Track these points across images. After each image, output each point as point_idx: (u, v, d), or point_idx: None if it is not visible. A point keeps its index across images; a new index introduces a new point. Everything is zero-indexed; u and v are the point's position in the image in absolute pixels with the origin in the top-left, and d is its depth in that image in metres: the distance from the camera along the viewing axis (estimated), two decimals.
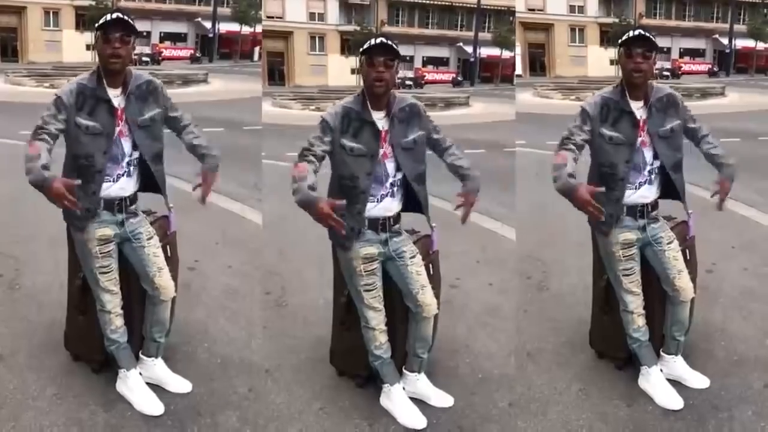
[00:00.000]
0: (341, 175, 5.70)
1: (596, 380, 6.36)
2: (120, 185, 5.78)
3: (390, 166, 5.78)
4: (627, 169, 5.90)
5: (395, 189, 5.82)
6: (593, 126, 5.87)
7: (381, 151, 5.72)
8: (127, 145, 5.77)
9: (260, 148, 14.52)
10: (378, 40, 5.62)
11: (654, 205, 6.07)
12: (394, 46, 5.62)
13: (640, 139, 5.90)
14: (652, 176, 6.01)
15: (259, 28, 44.60)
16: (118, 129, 5.70)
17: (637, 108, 5.91)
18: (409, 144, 5.80)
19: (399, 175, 5.81)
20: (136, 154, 5.82)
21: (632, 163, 5.91)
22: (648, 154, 5.96)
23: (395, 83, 5.77)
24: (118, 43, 5.57)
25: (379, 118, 5.73)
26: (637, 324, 6.14)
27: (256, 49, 45.64)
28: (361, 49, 5.65)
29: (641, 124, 5.90)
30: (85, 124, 5.57)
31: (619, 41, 5.88)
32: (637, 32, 5.82)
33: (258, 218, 10.45)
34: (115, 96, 5.69)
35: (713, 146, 6.17)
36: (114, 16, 5.62)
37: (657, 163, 5.99)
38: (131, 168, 5.83)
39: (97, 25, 5.63)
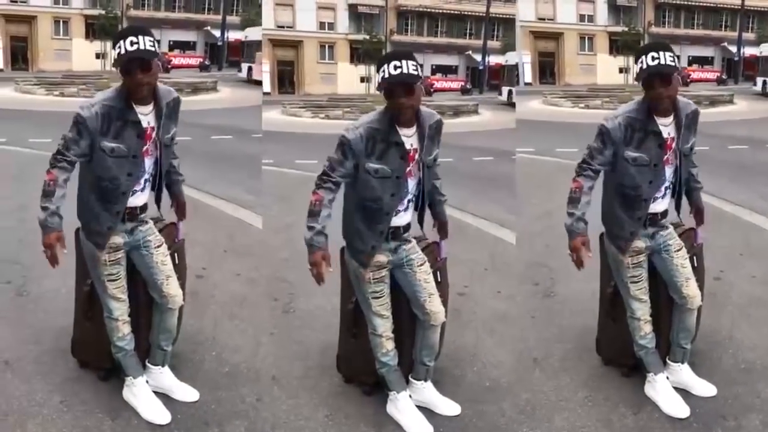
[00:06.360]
0: (364, 197, 5.60)
1: (602, 387, 6.35)
2: (133, 200, 5.73)
3: (411, 184, 5.70)
4: (651, 190, 5.83)
5: (410, 204, 5.77)
6: (616, 149, 5.77)
7: (406, 171, 5.63)
8: (148, 163, 5.72)
9: (260, 155, 14.50)
10: (396, 70, 5.40)
11: (663, 214, 6.03)
12: (412, 73, 5.40)
13: (664, 158, 5.83)
14: (668, 192, 5.96)
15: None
16: (144, 149, 5.65)
17: (665, 125, 5.79)
18: (430, 162, 5.75)
19: (416, 192, 5.74)
20: (154, 171, 5.79)
21: (656, 183, 5.84)
22: (669, 171, 5.89)
23: (421, 100, 5.59)
24: (140, 73, 5.47)
25: (408, 136, 5.59)
26: (644, 331, 6.13)
27: None
28: (378, 80, 5.47)
29: (668, 142, 5.80)
30: (110, 147, 5.49)
31: (636, 74, 5.73)
32: (649, 60, 5.59)
33: (267, 225, 10.46)
34: (145, 114, 5.60)
35: (694, 176, 6.18)
36: (127, 48, 5.40)
37: (673, 179, 5.93)
38: (147, 184, 5.80)
39: (114, 60, 5.49)
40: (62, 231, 5.54)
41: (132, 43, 5.42)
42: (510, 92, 38.22)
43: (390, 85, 5.44)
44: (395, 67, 5.40)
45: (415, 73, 5.43)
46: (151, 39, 5.50)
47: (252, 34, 41.18)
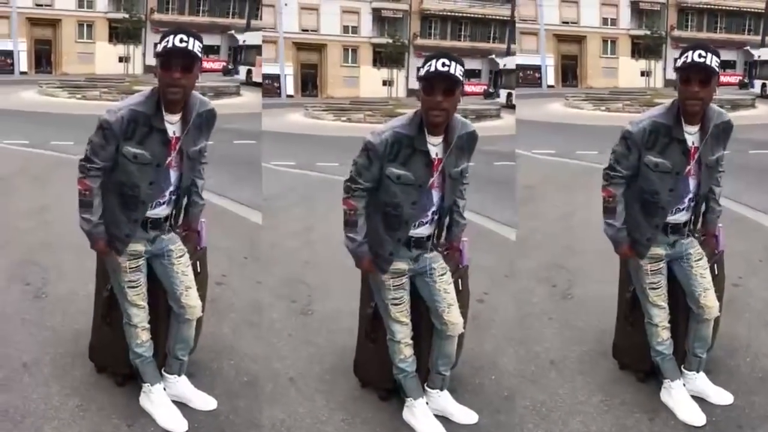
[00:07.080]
0: (385, 202, 5.51)
1: (618, 392, 6.32)
2: (158, 210, 5.68)
3: (436, 195, 5.60)
4: (670, 198, 5.74)
5: (435, 218, 5.69)
6: (639, 153, 5.69)
7: (431, 181, 5.52)
8: (174, 175, 5.64)
9: (260, 157, 14.48)
10: (443, 67, 5.26)
11: (686, 224, 5.95)
12: (456, 74, 5.29)
13: (687, 168, 5.72)
14: (691, 204, 5.88)
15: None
16: (169, 159, 5.54)
17: (691, 134, 5.67)
18: (456, 174, 5.64)
19: (441, 205, 5.65)
20: (179, 184, 5.70)
21: (676, 192, 5.75)
22: (692, 183, 5.78)
23: (456, 108, 5.45)
24: (179, 72, 5.32)
25: (435, 144, 5.48)
26: (662, 337, 6.09)
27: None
28: (418, 75, 5.36)
29: (692, 151, 5.70)
30: (132, 153, 5.41)
31: (675, 66, 5.61)
32: (695, 56, 5.45)
33: (287, 228, 10.48)
34: (172, 123, 5.50)
35: (715, 197, 6.14)
36: (175, 44, 5.29)
37: (698, 191, 5.84)
38: (173, 197, 5.74)
39: (156, 52, 5.34)
40: (106, 238, 5.60)
41: (181, 41, 5.28)
42: (509, 95, 38.27)
43: (432, 80, 5.28)
44: (443, 64, 5.26)
45: (461, 78, 5.32)
46: (201, 45, 5.37)
47: (250, 38, 41.68)
